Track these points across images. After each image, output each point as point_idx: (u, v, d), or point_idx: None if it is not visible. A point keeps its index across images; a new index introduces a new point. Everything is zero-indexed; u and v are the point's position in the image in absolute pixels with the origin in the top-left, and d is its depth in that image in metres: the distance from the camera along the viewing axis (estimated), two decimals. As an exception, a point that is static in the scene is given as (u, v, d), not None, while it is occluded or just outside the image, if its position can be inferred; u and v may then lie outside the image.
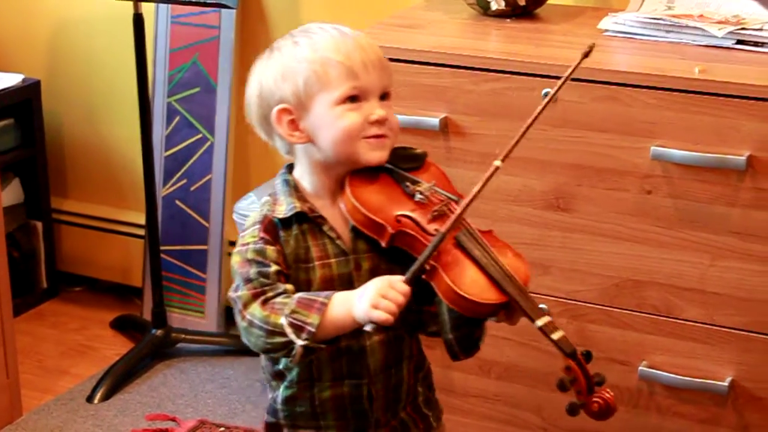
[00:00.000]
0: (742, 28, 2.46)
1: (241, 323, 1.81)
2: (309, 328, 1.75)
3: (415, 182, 1.85)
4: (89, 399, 3.20)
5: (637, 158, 2.35)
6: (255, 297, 1.79)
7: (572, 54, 2.44)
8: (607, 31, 2.58)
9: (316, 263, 1.83)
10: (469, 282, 1.74)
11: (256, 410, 3.14)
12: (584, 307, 2.45)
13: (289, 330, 1.75)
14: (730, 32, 2.45)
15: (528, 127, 1.85)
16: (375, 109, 1.82)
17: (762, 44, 2.44)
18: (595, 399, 1.72)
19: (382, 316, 1.71)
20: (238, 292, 1.81)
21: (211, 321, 3.52)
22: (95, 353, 3.47)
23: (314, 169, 1.86)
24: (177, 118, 3.47)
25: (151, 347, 3.38)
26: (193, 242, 3.50)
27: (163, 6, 3.42)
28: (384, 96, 1.85)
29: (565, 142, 2.41)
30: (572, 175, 2.42)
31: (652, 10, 2.59)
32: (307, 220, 1.84)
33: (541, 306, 1.80)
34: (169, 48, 3.45)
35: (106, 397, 3.21)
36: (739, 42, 2.45)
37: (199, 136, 3.45)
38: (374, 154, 1.83)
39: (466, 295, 1.73)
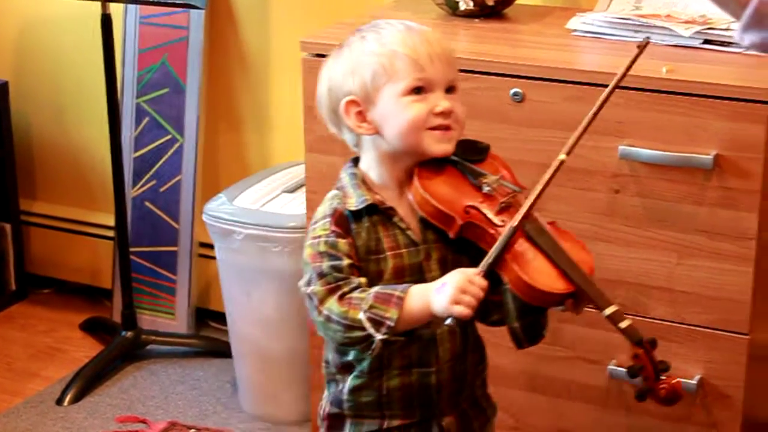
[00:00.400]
0: (709, 28, 2.47)
1: (318, 318, 1.85)
2: (388, 322, 1.80)
3: (481, 174, 1.90)
4: (59, 401, 3.19)
5: (605, 158, 2.36)
6: (330, 292, 1.84)
7: (541, 54, 2.47)
8: (575, 31, 2.59)
9: (388, 254, 1.88)
10: (539, 272, 1.80)
11: (227, 411, 3.14)
12: (553, 307, 2.46)
13: (368, 325, 1.81)
14: (697, 32, 2.46)
15: (591, 121, 1.92)
16: (440, 101, 1.87)
17: (729, 44, 2.45)
18: (662, 385, 1.78)
19: (463, 311, 1.77)
20: (312, 287, 1.86)
21: (181, 322, 3.51)
22: (65, 355, 3.46)
23: (382, 161, 1.91)
24: (146, 119, 3.46)
25: (121, 349, 3.37)
26: (162, 243, 3.49)
27: (131, 6, 3.41)
28: (450, 89, 1.90)
29: (534, 142, 2.41)
30: (541, 175, 2.42)
31: (620, 10, 2.60)
32: (377, 212, 1.88)
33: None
34: (137, 48, 3.44)
35: (75, 400, 3.20)
36: (706, 42, 2.46)
37: (169, 137, 3.44)
38: (440, 146, 1.88)
39: (535, 285, 1.78)
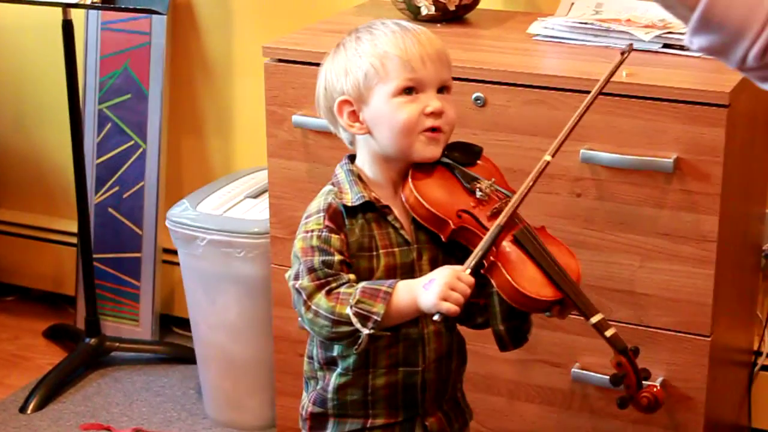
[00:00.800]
0: (669, 32, 2.48)
1: (306, 314, 1.86)
2: (375, 317, 1.81)
3: (474, 179, 1.92)
4: (22, 409, 3.17)
5: (566, 161, 2.37)
6: (319, 288, 1.85)
7: (502, 59, 2.47)
8: (536, 35, 2.60)
9: (381, 252, 1.89)
10: (528, 279, 1.82)
11: (192, 418, 3.13)
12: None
13: (355, 320, 1.81)
14: (657, 36, 2.48)
15: (576, 123, 1.94)
16: (431, 101, 1.89)
17: (688, 48, 2.46)
18: (644, 394, 1.81)
19: (451, 308, 1.78)
20: (301, 282, 1.86)
21: (145, 329, 3.49)
22: (28, 363, 3.44)
23: (375, 160, 1.93)
24: (108, 125, 3.45)
25: (84, 356, 3.35)
26: (126, 250, 3.48)
27: (93, 12, 3.40)
28: (442, 89, 1.91)
29: (494, 146, 2.41)
30: (505, 178, 2.43)
31: (581, 15, 2.61)
32: (372, 209, 1.90)
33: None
34: (99, 54, 3.43)
35: (39, 407, 3.18)
36: (665, 46, 2.48)
37: (131, 143, 3.43)
38: (428, 150, 1.90)
39: (524, 292, 1.80)
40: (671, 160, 2.28)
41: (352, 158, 1.97)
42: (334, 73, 1.93)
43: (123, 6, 3.04)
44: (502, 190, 1.92)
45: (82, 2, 3.04)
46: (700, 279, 2.34)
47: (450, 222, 1.86)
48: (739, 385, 2.81)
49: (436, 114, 1.88)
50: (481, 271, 1.83)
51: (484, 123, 2.42)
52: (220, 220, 2.96)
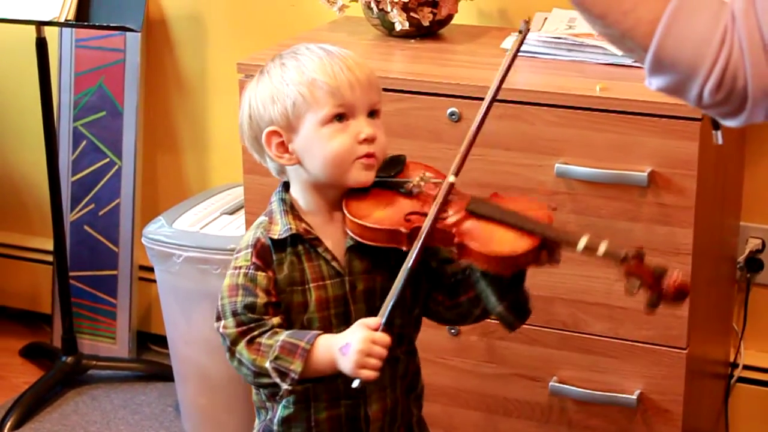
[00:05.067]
0: (642, 46, 2.49)
1: (231, 359, 1.85)
2: (292, 374, 1.79)
3: (406, 182, 1.88)
4: (-2, 429, 3.16)
5: (541, 176, 2.38)
6: (241, 335, 1.83)
7: (477, 74, 2.48)
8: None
9: (312, 285, 1.86)
10: (498, 241, 1.78)
11: (170, 435, 3.12)
12: (493, 324, 2.46)
13: (273, 374, 1.80)
14: (630, 50, 2.49)
15: (475, 136, 1.89)
16: (363, 128, 1.84)
17: (661, 61, 2.47)
18: (666, 284, 1.74)
19: (370, 375, 1.75)
20: (225, 328, 1.84)
21: (122, 347, 3.48)
22: (4, 382, 3.43)
23: (306, 189, 1.89)
24: (83, 143, 3.44)
25: (61, 375, 3.34)
26: (102, 267, 3.47)
27: (66, 30, 3.40)
28: (372, 113, 1.87)
29: (469, 161, 2.39)
30: (478, 193, 2.43)
31: (554, 30, 2.62)
32: (302, 242, 1.86)
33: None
34: (74, 72, 3.42)
35: (16, 427, 3.16)
36: (638, 59, 2.49)
37: (107, 160, 3.42)
38: (362, 176, 1.85)
39: (501, 254, 1.77)
40: (645, 174, 2.29)
41: (286, 185, 1.93)
42: (260, 102, 1.87)
43: (97, 23, 3.04)
44: (436, 180, 1.88)
45: (55, 20, 3.04)
46: (675, 292, 2.35)
47: (401, 229, 1.81)
48: (716, 397, 2.82)
49: (369, 140, 1.84)
50: (457, 258, 1.80)
51: (459, 138, 2.39)
52: (197, 237, 2.96)
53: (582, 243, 1.76)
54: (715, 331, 2.75)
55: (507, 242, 1.78)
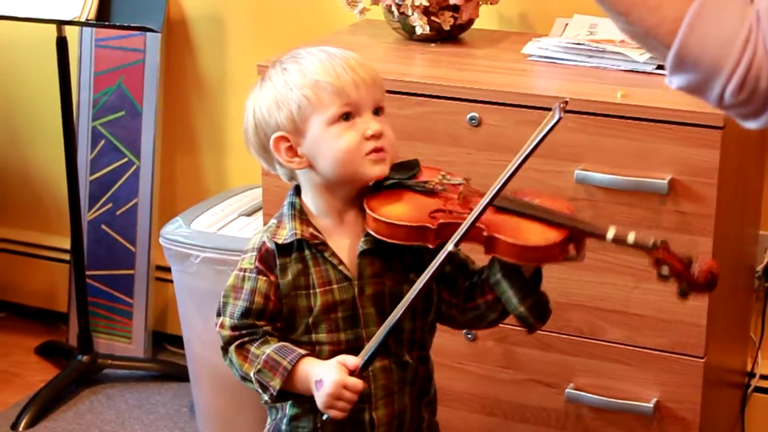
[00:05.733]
0: (663, 53, 2.49)
1: (223, 358, 1.91)
2: (271, 390, 1.85)
3: (424, 183, 1.89)
4: (14, 426, 3.17)
5: (561, 182, 2.37)
6: (234, 339, 1.88)
7: (497, 79, 2.48)
8: (530, 56, 2.60)
9: (318, 290, 1.87)
10: (528, 232, 1.80)
11: (184, 436, 3.13)
12: (509, 330, 2.46)
13: (256, 385, 1.86)
14: (651, 57, 2.48)
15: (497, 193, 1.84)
16: (369, 124, 1.85)
17: (682, 69, 2.46)
18: (698, 273, 1.75)
19: (337, 414, 1.81)
20: (221, 328, 1.89)
21: (138, 346, 3.49)
22: (20, 380, 3.43)
23: (317, 192, 1.89)
24: (102, 142, 3.45)
25: (77, 373, 3.35)
26: (119, 267, 3.47)
27: (87, 29, 3.40)
28: (377, 110, 1.88)
29: (489, 166, 2.42)
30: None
31: (575, 35, 2.61)
32: (308, 247, 1.87)
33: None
34: (93, 71, 3.43)
35: (31, 425, 3.17)
36: (659, 66, 2.48)
37: (125, 159, 3.42)
38: (375, 169, 1.86)
39: (532, 245, 1.79)
40: (665, 182, 2.28)
41: (298, 189, 1.93)
42: (264, 108, 1.87)
43: (117, 23, 3.04)
44: (456, 180, 1.90)
45: (76, 19, 3.04)
46: (694, 300, 2.33)
47: (429, 225, 1.82)
48: (732, 407, 2.81)
49: (377, 136, 1.85)
50: (486, 253, 1.82)
51: (478, 143, 2.42)
52: (214, 238, 2.96)
53: (611, 232, 1.78)
54: (732, 340, 2.74)
55: (537, 234, 1.80)
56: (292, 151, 1.86)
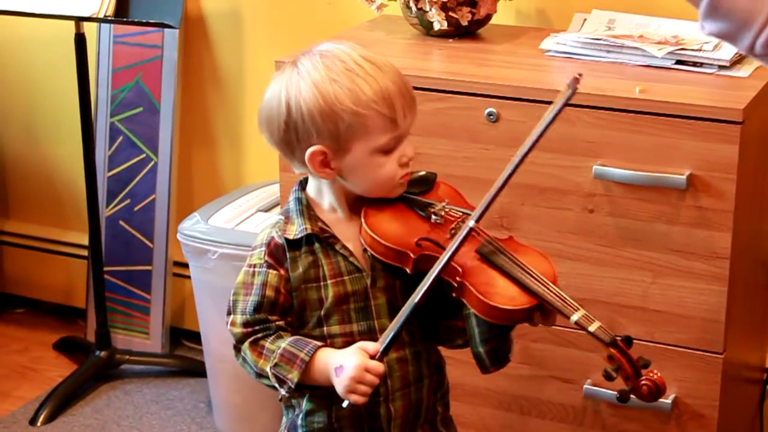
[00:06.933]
0: (682, 49, 2.48)
1: (236, 356, 1.90)
2: (289, 383, 1.83)
3: (429, 205, 1.88)
4: (32, 422, 3.17)
5: (579, 177, 2.37)
6: (246, 335, 1.87)
7: (515, 74, 2.47)
8: (548, 51, 2.60)
9: (330, 281, 1.87)
10: (499, 291, 1.79)
11: (202, 431, 3.13)
12: (527, 326, 2.46)
13: (273, 380, 1.85)
14: (670, 52, 2.48)
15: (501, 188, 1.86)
16: (407, 151, 1.86)
17: (701, 64, 2.46)
18: (643, 382, 1.76)
19: (359, 399, 1.79)
20: (233, 325, 1.88)
21: (155, 342, 3.49)
22: (38, 375, 3.44)
23: (333, 191, 1.89)
24: (120, 138, 3.45)
25: (94, 369, 3.35)
26: (137, 263, 3.48)
27: (105, 26, 3.41)
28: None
29: (506, 162, 2.39)
30: (515, 195, 2.43)
31: (593, 31, 2.61)
32: (318, 240, 1.87)
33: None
34: (111, 68, 3.44)
35: (49, 420, 3.18)
36: (678, 62, 2.48)
37: (143, 156, 3.43)
38: (398, 192, 1.89)
39: (497, 305, 1.77)
40: (684, 177, 2.28)
41: (303, 184, 1.93)
42: (305, 112, 1.81)
43: (135, 20, 3.05)
44: (459, 210, 1.88)
45: (94, 16, 3.05)
46: (712, 296, 2.34)
47: (410, 253, 1.82)
48: (750, 403, 2.80)
49: (410, 162, 1.87)
50: (453, 294, 1.80)
51: (496, 138, 2.42)
52: (232, 234, 2.96)
53: (576, 316, 1.77)
54: (751, 336, 2.73)
55: (505, 295, 1.78)
56: (325, 163, 1.84)
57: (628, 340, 1.77)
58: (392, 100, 1.81)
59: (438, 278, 1.79)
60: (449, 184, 1.96)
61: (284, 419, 2.00)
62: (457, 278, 1.79)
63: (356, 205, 1.89)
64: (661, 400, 2.38)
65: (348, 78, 1.81)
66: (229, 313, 1.90)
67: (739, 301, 2.45)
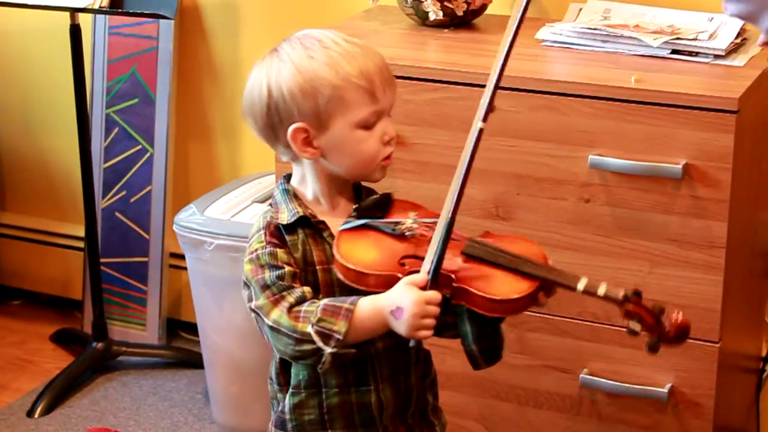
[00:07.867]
0: (677, 38, 2.48)
1: (268, 332, 1.82)
2: (336, 335, 1.77)
3: (397, 223, 1.86)
4: (29, 413, 3.17)
5: (575, 167, 2.37)
6: (275, 303, 1.81)
7: (511, 64, 2.46)
8: (544, 41, 2.60)
9: (318, 267, 1.86)
10: (499, 284, 1.78)
11: (199, 423, 3.13)
12: (524, 315, 2.44)
13: (316, 338, 1.78)
14: (666, 42, 2.48)
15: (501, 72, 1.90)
16: (387, 128, 1.86)
17: (696, 54, 2.46)
18: (667, 327, 1.76)
19: (427, 334, 1.76)
20: (257, 302, 1.83)
21: (152, 333, 3.49)
22: (35, 367, 3.44)
23: (317, 177, 1.89)
24: (116, 130, 3.45)
25: (91, 360, 3.35)
26: (133, 254, 3.48)
27: (100, 17, 3.40)
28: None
29: (503, 152, 2.42)
30: (511, 184, 2.44)
31: (589, 21, 2.61)
32: (309, 225, 1.87)
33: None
34: (107, 59, 3.43)
35: (46, 412, 3.18)
36: (674, 51, 2.47)
37: (139, 147, 3.43)
38: (380, 175, 1.88)
39: (501, 298, 1.77)
40: (680, 166, 2.28)
41: (287, 178, 1.93)
42: (286, 92, 1.82)
43: (131, 11, 3.04)
44: (428, 220, 1.86)
45: (89, 7, 3.05)
46: (708, 285, 2.34)
47: (398, 274, 1.79)
48: (747, 392, 2.81)
49: (392, 141, 1.86)
50: (452, 301, 1.79)
51: (491, 128, 2.39)
52: (228, 225, 2.96)
53: (581, 285, 1.77)
54: (747, 325, 2.73)
55: (506, 286, 1.78)
56: (308, 141, 1.85)
57: (638, 293, 1.77)
58: (371, 75, 1.83)
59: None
60: (406, 199, 1.93)
61: (272, 415, 1.98)
62: (453, 284, 1.78)
63: (339, 197, 1.90)
64: (657, 389, 2.40)
65: (326, 54, 1.83)
66: (250, 300, 1.85)
67: (735, 290, 2.46)
